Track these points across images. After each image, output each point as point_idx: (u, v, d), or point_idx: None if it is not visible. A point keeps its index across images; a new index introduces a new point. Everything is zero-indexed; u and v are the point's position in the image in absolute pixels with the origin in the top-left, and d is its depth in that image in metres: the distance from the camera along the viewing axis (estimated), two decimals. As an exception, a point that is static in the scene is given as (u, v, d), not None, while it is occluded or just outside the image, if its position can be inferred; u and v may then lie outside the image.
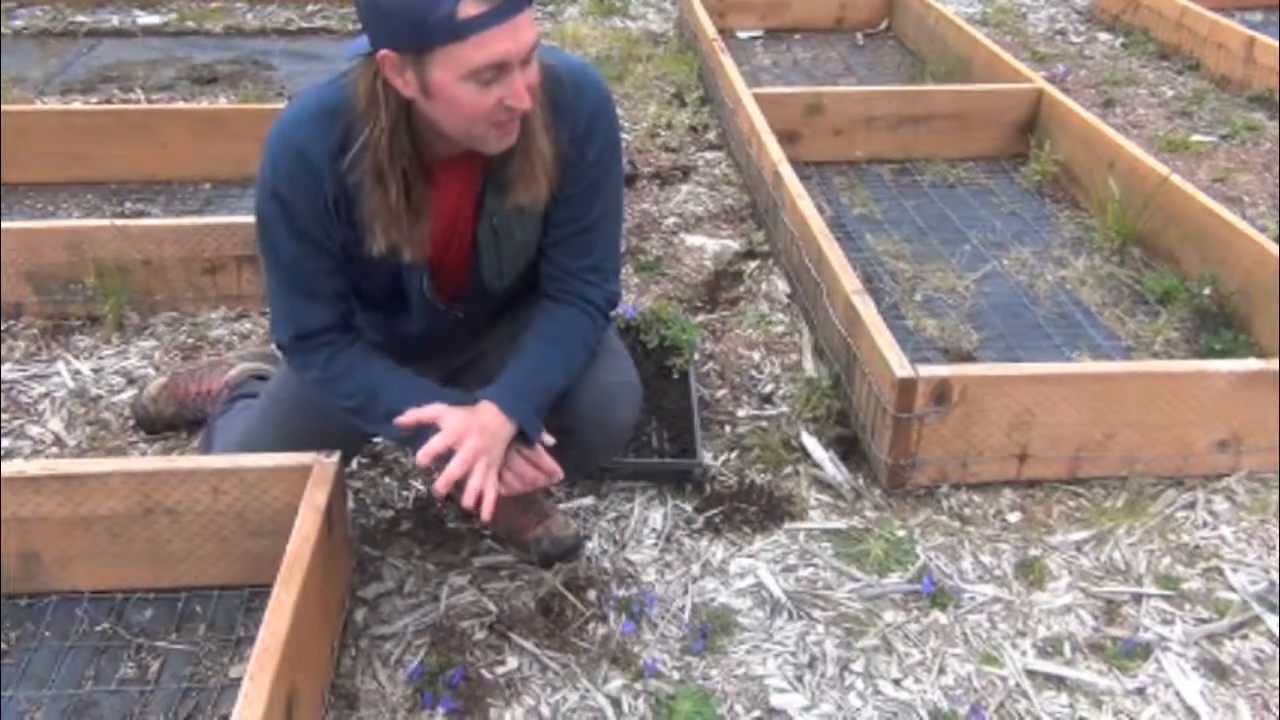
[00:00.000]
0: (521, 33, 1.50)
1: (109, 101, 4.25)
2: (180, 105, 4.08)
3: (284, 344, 1.80)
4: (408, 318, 1.83)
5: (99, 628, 1.89)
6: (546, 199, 1.71)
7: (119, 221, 2.78)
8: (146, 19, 5.26)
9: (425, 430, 1.70)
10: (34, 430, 2.40)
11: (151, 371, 2.59)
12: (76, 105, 4.12)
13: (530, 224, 1.77)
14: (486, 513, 1.66)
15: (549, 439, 1.78)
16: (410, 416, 1.70)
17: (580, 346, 1.80)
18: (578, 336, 1.80)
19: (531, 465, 1.78)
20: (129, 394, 2.50)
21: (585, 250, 1.80)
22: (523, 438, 1.74)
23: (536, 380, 1.76)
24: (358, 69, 1.57)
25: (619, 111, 4.20)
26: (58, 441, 2.37)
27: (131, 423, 2.41)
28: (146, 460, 2.21)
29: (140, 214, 3.33)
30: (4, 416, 2.43)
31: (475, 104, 1.53)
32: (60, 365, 2.62)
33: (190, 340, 2.71)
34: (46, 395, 2.51)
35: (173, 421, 2.37)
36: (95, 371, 2.60)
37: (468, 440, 1.67)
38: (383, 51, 1.50)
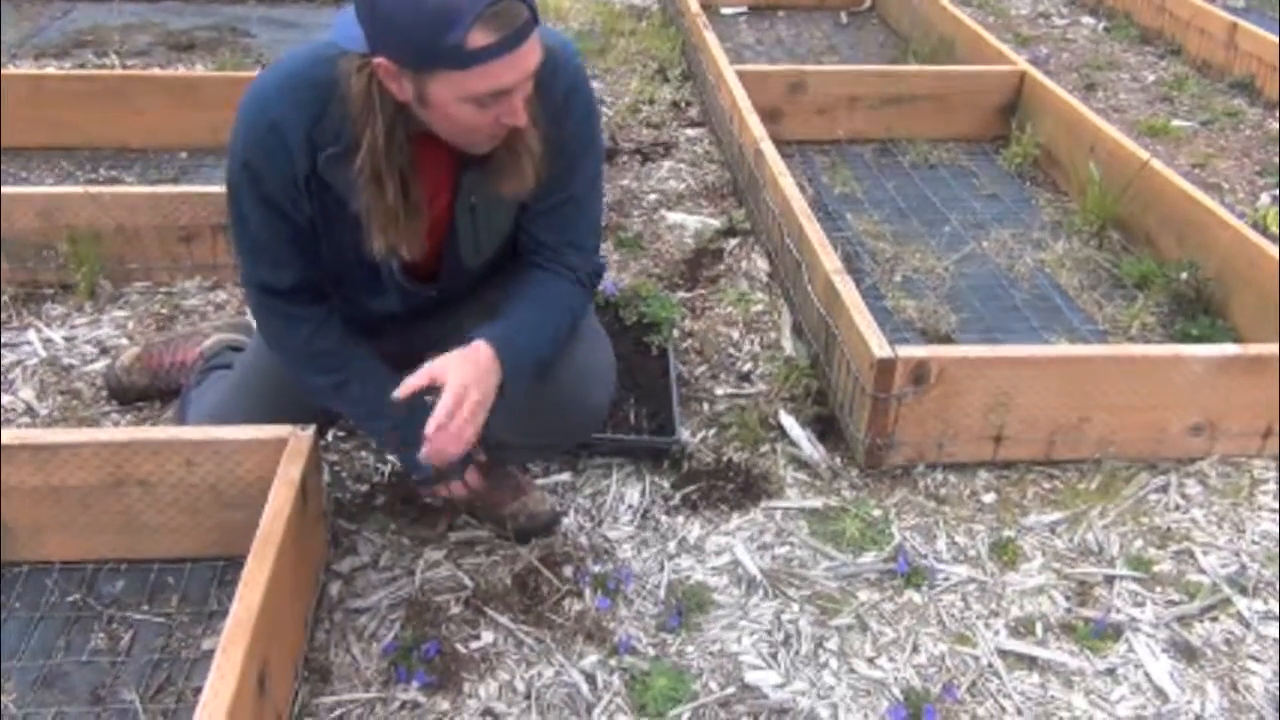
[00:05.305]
0: (526, 60, 1.48)
1: (83, 67, 4.19)
2: (156, 72, 4.02)
3: (252, 297, 1.79)
4: (381, 297, 1.81)
5: (70, 598, 1.87)
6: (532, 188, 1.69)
7: (93, 188, 2.75)
8: (122, -17, 5.17)
9: (413, 420, 1.68)
10: (5, 399, 2.37)
11: (125, 341, 2.56)
12: (50, 70, 4.06)
13: (510, 202, 1.75)
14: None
15: (481, 456, 1.86)
16: (407, 387, 1.63)
17: (567, 314, 1.78)
18: (565, 304, 1.78)
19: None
20: (102, 363, 2.47)
21: (563, 225, 1.78)
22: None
23: (528, 338, 1.72)
24: (351, 65, 1.51)
25: (601, 85, 4.20)
26: (29, 411, 2.34)
27: (104, 393, 2.38)
28: (119, 431, 2.18)
29: (114, 181, 3.29)
30: (-26, 384, 2.40)
31: (471, 121, 1.52)
32: (32, 334, 2.58)
33: (164, 310, 2.68)
34: (18, 364, 2.48)
35: (146, 392, 2.35)
36: (68, 340, 2.57)
37: (471, 395, 1.62)
38: (379, 59, 1.47)
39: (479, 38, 1.41)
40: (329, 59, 1.55)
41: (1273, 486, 2.27)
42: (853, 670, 1.84)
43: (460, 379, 1.62)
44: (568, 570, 1.99)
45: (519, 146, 1.61)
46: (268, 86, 1.62)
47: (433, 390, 1.63)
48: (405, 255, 1.66)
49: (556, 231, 1.79)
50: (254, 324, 1.89)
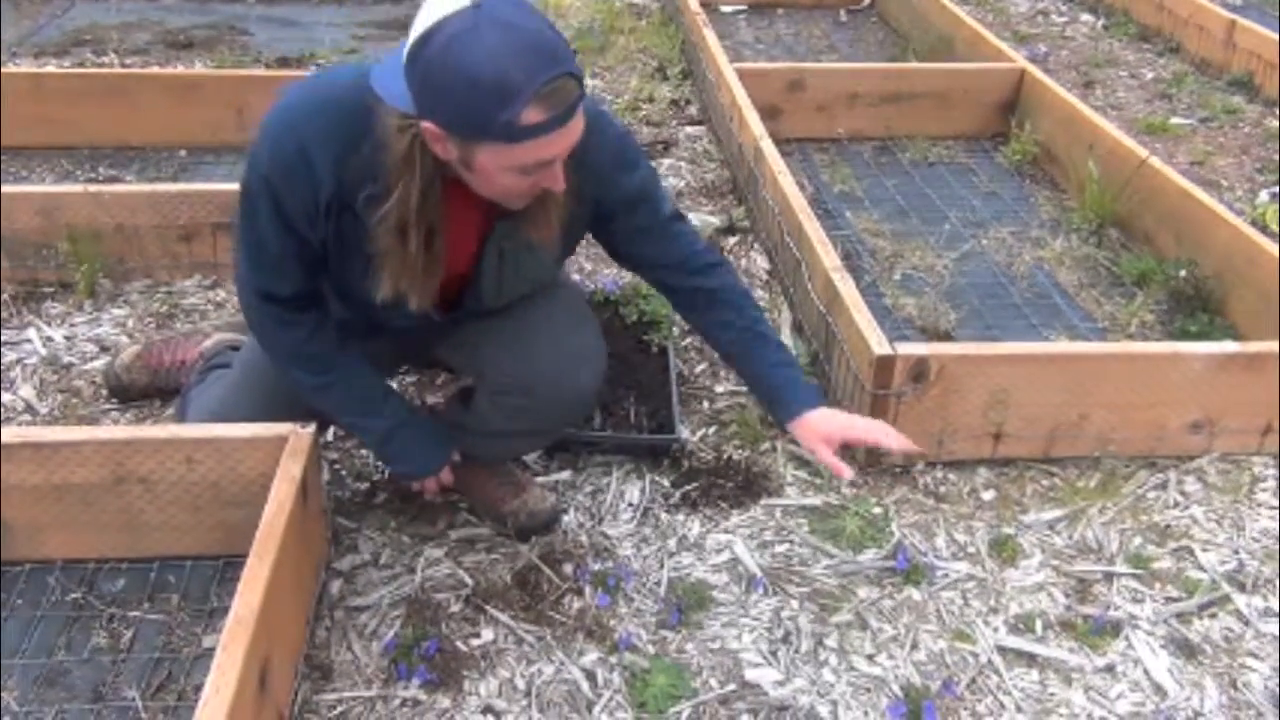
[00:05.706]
0: (573, 133, 1.48)
1: (82, 65, 4.19)
2: (155, 70, 4.02)
3: (246, 299, 1.78)
4: (393, 315, 1.80)
5: (70, 597, 1.88)
6: (558, 239, 1.71)
7: (92, 187, 2.75)
8: (121, -19, 5.17)
9: (368, 421, 1.87)
10: (5, 397, 2.37)
11: (125, 339, 2.56)
12: (49, 68, 4.05)
13: (540, 256, 1.76)
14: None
15: (455, 456, 1.96)
16: (828, 459, 1.81)
17: (748, 301, 1.91)
18: (750, 301, 1.92)
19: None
20: (102, 362, 2.47)
21: (674, 248, 1.86)
22: None
23: (779, 359, 1.91)
24: (392, 122, 1.48)
25: (600, 84, 4.19)
26: (29, 409, 2.34)
27: (104, 391, 2.38)
28: (120, 429, 2.18)
29: (114, 180, 3.29)
30: (-26, 383, 2.40)
31: (512, 185, 1.53)
32: (32, 332, 2.58)
33: (164, 308, 2.68)
34: (18, 362, 2.48)
35: (146, 390, 2.35)
36: (68, 339, 2.57)
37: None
38: (428, 124, 1.45)
39: (533, 115, 1.40)
40: (368, 95, 1.50)
41: (1272, 484, 2.28)
42: (852, 667, 1.84)
43: (846, 427, 1.85)
44: (568, 568, 2.00)
45: (547, 199, 1.61)
46: (299, 107, 1.59)
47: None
48: (412, 305, 1.65)
49: (674, 253, 1.86)
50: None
